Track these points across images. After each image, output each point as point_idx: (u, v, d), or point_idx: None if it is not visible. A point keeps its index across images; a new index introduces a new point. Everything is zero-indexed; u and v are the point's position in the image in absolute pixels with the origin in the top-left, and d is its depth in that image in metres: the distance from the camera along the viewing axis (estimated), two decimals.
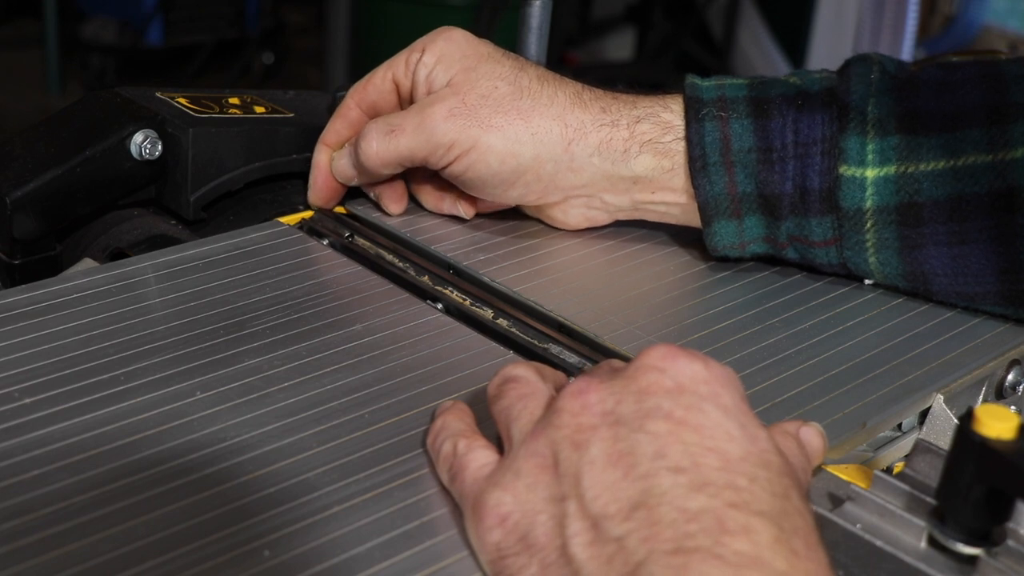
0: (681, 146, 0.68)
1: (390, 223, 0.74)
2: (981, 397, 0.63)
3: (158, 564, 0.44)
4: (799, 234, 0.68)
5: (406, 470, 0.51)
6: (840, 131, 0.66)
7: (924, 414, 0.60)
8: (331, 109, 0.80)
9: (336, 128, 0.74)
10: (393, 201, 0.75)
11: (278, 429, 0.53)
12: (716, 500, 0.41)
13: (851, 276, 0.70)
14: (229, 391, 0.55)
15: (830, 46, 3.24)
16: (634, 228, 0.76)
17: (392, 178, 0.74)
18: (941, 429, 0.59)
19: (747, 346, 0.63)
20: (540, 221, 0.75)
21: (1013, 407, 0.63)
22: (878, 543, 0.46)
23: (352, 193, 0.78)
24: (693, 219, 0.70)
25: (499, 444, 0.50)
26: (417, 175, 0.75)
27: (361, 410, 0.55)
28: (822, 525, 0.47)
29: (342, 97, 0.76)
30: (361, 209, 0.75)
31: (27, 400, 0.53)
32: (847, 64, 0.69)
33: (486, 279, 0.68)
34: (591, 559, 0.41)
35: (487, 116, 0.68)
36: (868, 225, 0.66)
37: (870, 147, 0.66)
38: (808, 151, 0.66)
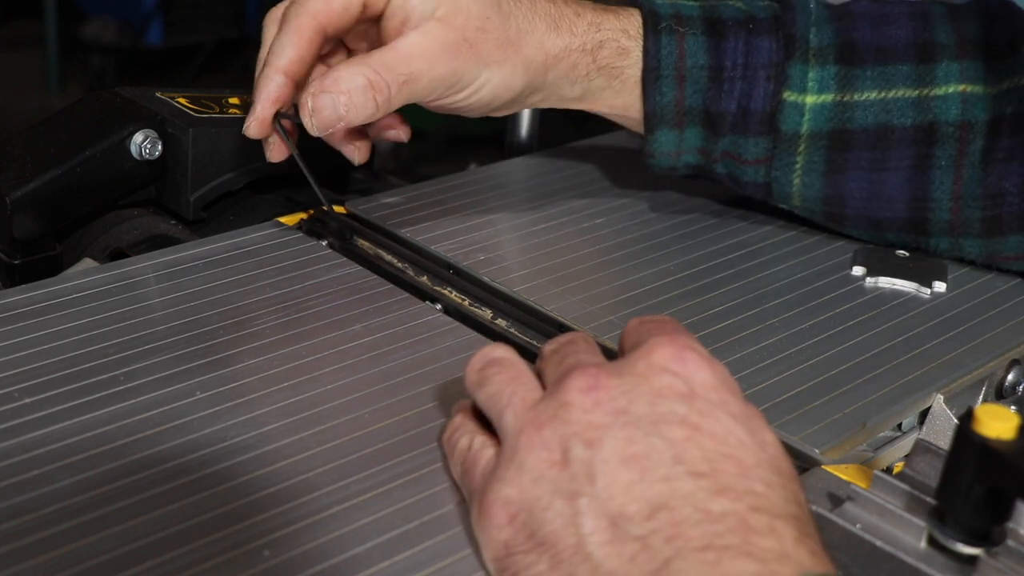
0: (633, 71, 0.72)
1: (390, 223, 0.74)
2: (981, 397, 0.63)
3: (158, 564, 0.44)
4: (733, 151, 0.73)
5: (406, 470, 0.51)
6: (787, 58, 0.71)
7: (924, 414, 0.60)
8: None
9: (300, 56, 0.65)
10: (367, 144, 0.73)
11: (278, 429, 0.53)
12: (739, 504, 0.41)
13: (767, 199, 0.75)
14: (229, 391, 0.55)
15: None
16: (634, 228, 0.76)
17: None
18: (941, 429, 0.59)
19: (747, 346, 0.63)
20: (540, 220, 0.76)
21: (1013, 407, 0.63)
22: (878, 543, 0.46)
23: (352, 193, 0.78)
24: (624, 124, 0.75)
25: None
26: None
27: (361, 410, 0.55)
28: (822, 525, 0.47)
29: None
30: (361, 209, 0.75)
31: (27, 400, 0.53)
32: None
33: (486, 279, 0.68)
34: (610, 557, 0.41)
35: (489, 51, 0.67)
36: (800, 148, 0.72)
37: (811, 75, 0.71)
38: (755, 74, 0.71)
